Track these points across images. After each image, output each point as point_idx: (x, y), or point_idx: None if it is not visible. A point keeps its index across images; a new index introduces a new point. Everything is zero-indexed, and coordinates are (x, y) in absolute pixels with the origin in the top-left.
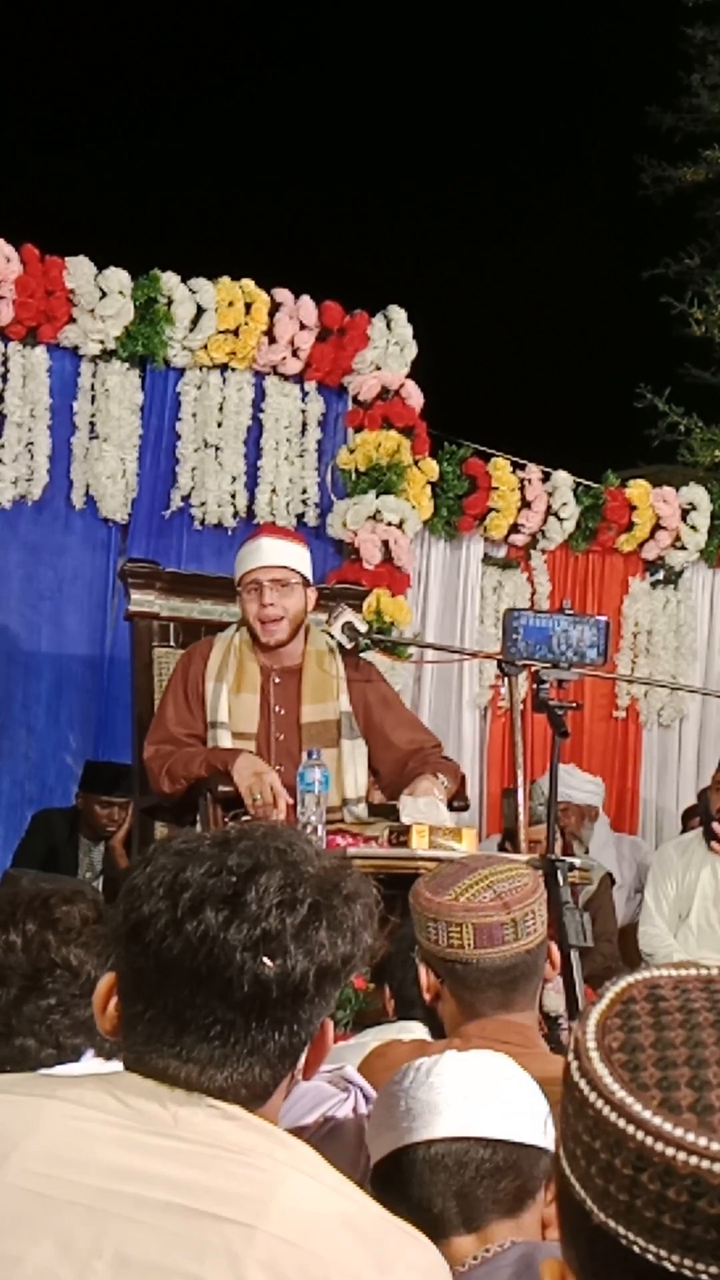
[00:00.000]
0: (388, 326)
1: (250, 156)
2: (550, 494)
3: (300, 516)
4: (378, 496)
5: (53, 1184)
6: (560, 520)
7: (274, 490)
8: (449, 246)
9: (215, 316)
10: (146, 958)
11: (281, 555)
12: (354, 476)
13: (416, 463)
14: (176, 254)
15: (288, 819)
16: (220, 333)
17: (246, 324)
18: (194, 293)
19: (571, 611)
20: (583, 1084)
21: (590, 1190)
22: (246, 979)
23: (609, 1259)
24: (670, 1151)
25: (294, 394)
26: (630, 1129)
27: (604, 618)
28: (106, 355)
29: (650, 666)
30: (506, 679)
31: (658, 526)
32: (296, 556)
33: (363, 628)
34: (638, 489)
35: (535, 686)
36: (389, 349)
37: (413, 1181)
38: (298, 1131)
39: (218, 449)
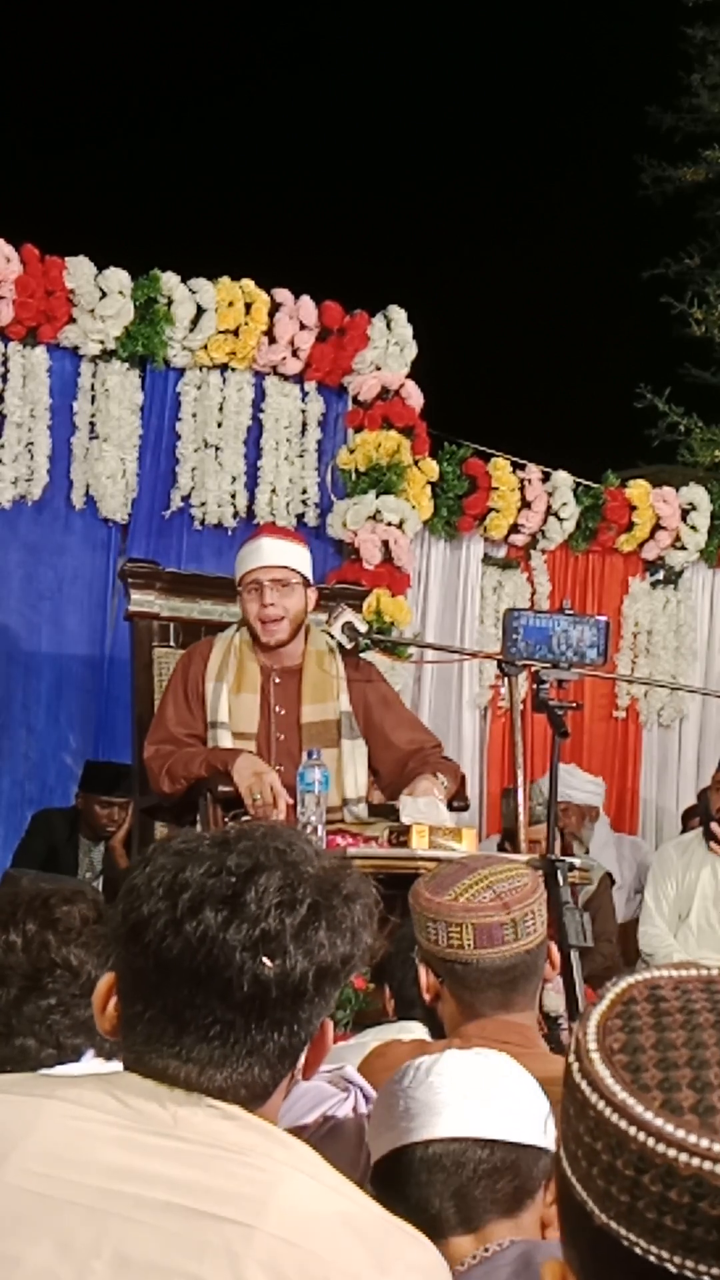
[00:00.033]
0: (388, 326)
1: (250, 156)
2: (550, 494)
3: (300, 516)
4: (378, 496)
5: (52, 1184)
6: (560, 520)
7: (274, 490)
8: (449, 246)
9: (215, 316)
10: (146, 958)
11: (282, 555)
12: (354, 476)
13: (416, 463)
14: (176, 254)
15: (288, 819)
16: (220, 333)
17: (246, 324)
18: (194, 293)
19: (571, 611)
20: (584, 1085)
21: (591, 1191)
22: (246, 979)
23: (610, 1260)
24: (672, 1153)
25: (294, 394)
26: (632, 1130)
27: (604, 618)
28: (106, 355)
29: (650, 666)
30: (506, 679)
31: (658, 526)
32: (297, 556)
33: (363, 628)
34: (638, 489)
35: (535, 686)
36: (389, 349)
37: (411, 1181)
38: (298, 1131)
39: (218, 449)
